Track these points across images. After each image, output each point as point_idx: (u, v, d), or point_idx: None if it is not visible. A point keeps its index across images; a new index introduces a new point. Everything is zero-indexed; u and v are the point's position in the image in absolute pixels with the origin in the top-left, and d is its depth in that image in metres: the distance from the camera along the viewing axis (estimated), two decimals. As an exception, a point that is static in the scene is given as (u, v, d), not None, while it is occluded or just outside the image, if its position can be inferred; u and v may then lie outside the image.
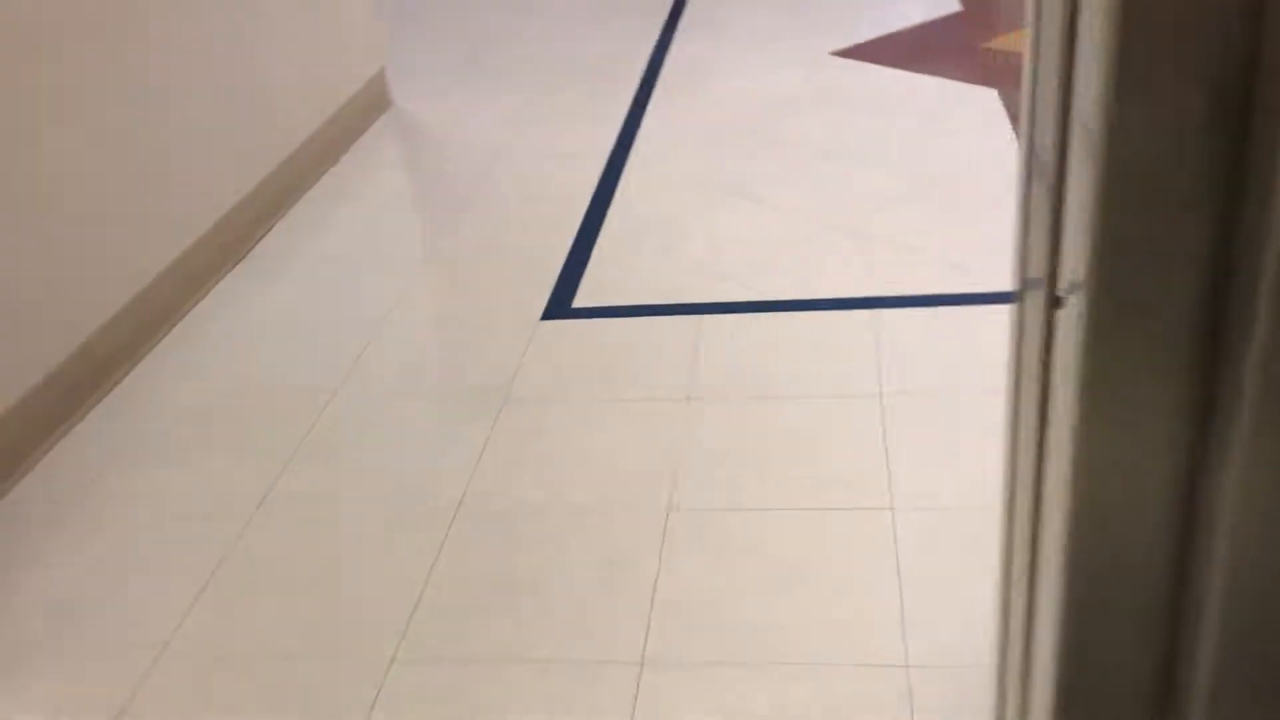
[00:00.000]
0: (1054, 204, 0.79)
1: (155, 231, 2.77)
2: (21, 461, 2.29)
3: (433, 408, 2.40)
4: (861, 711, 1.60)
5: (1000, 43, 4.00)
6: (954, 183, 3.06)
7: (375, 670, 1.75)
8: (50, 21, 2.41)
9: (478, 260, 2.99)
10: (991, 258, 2.68)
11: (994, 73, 3.71)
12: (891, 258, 2.75)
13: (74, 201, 2.49)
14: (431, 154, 3.72)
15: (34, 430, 2.34)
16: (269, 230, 3.20)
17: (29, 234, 2.36)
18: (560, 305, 2.73)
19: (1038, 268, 0.81)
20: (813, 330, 2.51)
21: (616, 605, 1.83)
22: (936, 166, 3.15)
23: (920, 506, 1.96)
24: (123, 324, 2.61)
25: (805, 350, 2.44)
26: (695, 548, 1.93)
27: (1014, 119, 3.35)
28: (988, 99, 3.53)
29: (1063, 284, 0.76)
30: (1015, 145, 3.20)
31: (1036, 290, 0.81)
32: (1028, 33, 0.92)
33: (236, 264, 3.03)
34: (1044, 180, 0.82)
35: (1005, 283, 2.56)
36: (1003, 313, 2.48)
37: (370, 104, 3.91)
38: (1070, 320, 0.74)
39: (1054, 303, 0.79)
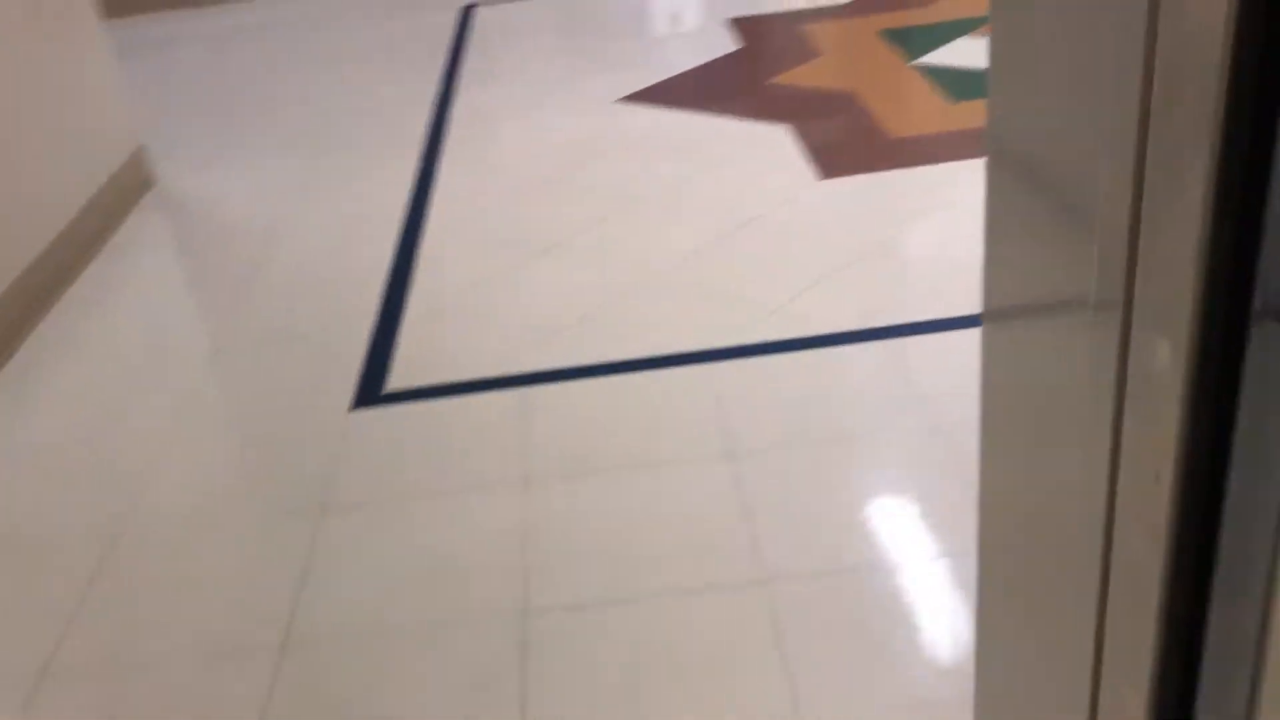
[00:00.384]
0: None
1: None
2: None
3: (239, 532, 2.13)
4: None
5: (785, 78, 4.01)
6: (763, 224, 3.00)
7: None
8: None
9: (270, 351, 2.72)
10: (813, 299, 2.62)
11: (783, 108, 3.71)
12: (716, 308, 2.65)
13: None
14: (205, 234, 3.42)
15: None
16: (19, 345, 2.84)
17: None
18: (371, 392, 2.50)
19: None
20: (649, 391, 2.38)
21: (483, 735, 1.63)
22: (744, 208, 3.09)
23: (794, 573, 1.84)
24: None
25: (645, 414, 2.31)
26: (562, 655, 1.75)
27: (811, 153, 3.34)
28: (781, 135, 3.51)
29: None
30: (815, 181, 3.18)
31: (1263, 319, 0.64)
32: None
33: (-12, 380, 2.66)
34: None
35: (833, 325, 2.50)
36: (835, 355, 2.42)
37: (130, 186, 3.56)
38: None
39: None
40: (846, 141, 3.46)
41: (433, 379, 2.52)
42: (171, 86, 4.78)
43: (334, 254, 3.15)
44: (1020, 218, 0.91)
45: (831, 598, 1.79)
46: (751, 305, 2.64)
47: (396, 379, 2.53)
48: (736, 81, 4.15)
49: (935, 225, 2.92)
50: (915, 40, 4.18)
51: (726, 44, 4.46)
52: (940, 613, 1.75)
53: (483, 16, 5.20)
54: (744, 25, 4.63)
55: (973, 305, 2.53)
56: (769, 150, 3.44)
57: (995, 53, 0.85)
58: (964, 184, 3.12)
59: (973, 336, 2.40)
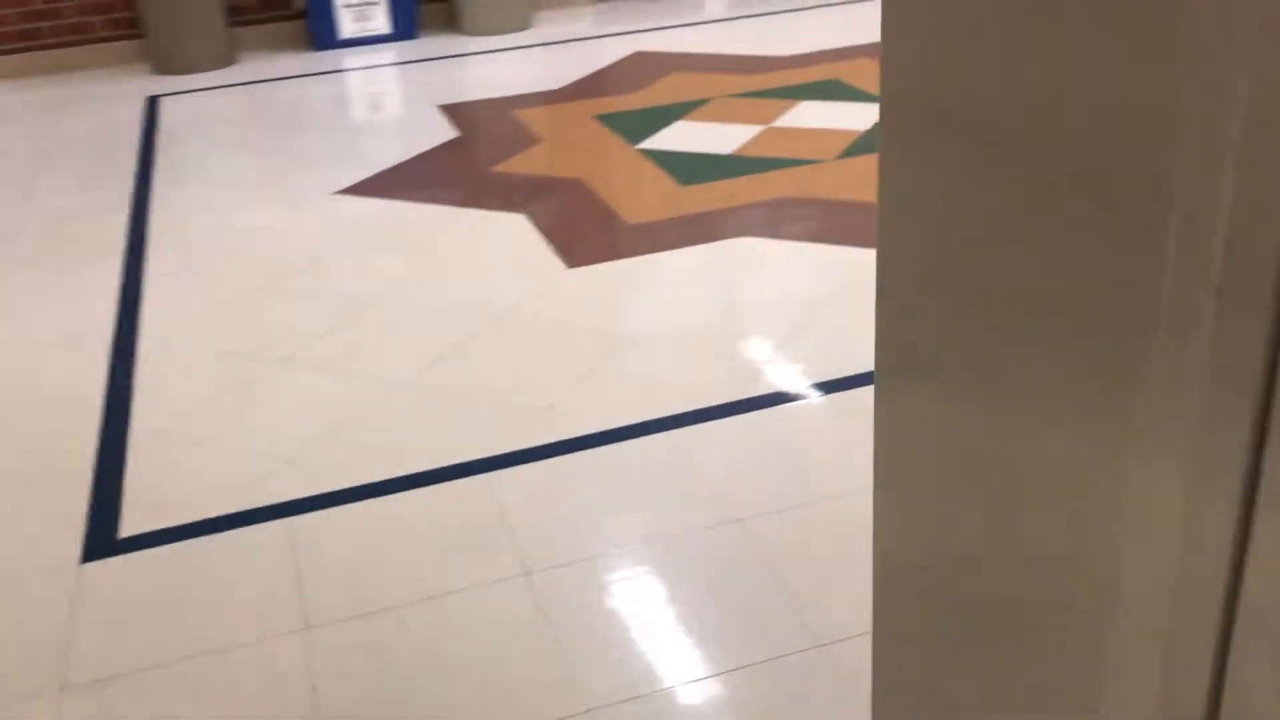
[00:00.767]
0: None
1: None
2: None
3: (-42, 723, 1.79)
4: None
5: (510, 166, 3.96)
6: (517, 317, 2.92)
7: None
8: None
9: (-30, 500, 2.34)
10: (584, 394, 2.55)
11: (514, 197, 3.66)
12: (483, 411, 2.53)
13: None
14: None
15: None
16: None
17: None
18: (103, 538, 2.19)
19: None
20: (428, 510, 2.22)
21: None
22: (495, 302, 2.99)
23: (612, 703, 1.74)
24: None
25: (429, 535, 2.14)
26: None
27: (553, 242, 3.30)
28: (519, 224, 3.45)
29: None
30: (564, 270, 3.14)
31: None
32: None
33: None
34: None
35: (608, 420, 2.44)
36: (616, 453, 2.36)
37: None
38: None
39: None
40: (586, 229, 3.45)
41: (176, 518, 2.24)
42: None
43: (33, 386, 2.78)
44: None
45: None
46: (523, 405, 2.53)
47: (132, 522, 2.24)
48: (460, 170, 4.06)
49: (690, 310, 2.94)
50: (631, 125, 4.25)
51: (441, 132, 4.36)
52: None
53: (170, 109, 4.85)
54: (455, 112, 4.56)
55: (741, 390, 2.55)
56: (509, 241, 3.36)
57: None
58: (706, 267, 3.17)
59: (746, 421, 2.41)
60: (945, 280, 0.79)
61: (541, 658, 1.83)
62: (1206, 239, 0.57)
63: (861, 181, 3.68)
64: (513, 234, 3.40)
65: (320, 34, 5.51)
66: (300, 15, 5.61)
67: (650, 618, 1.91)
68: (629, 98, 4.62)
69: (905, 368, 0.87)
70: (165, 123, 4.67)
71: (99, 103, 4.99)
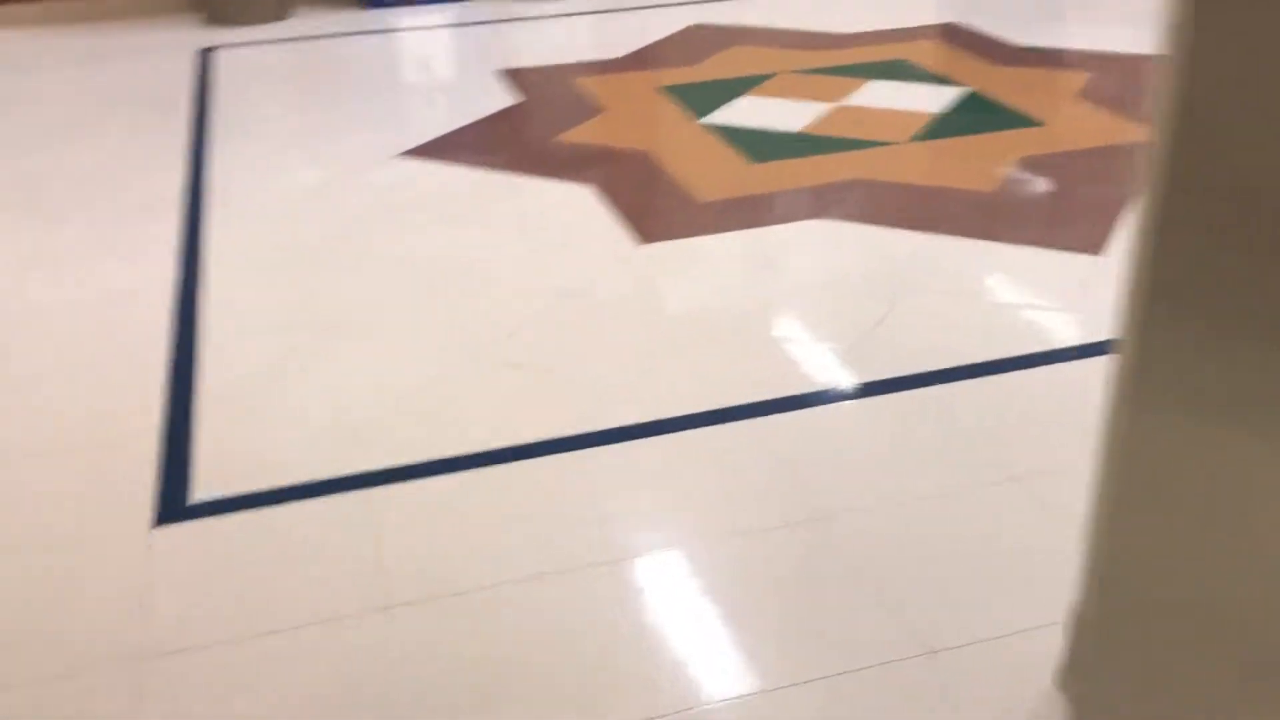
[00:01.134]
0: None
1: None
2: None
3: (39, 695, 1.73)
4: None
5: (573, 136, 3.88)
6: (589, 295, 2.84)
7: None
8: None
9: (30, 463, 2.29)
10: (667, 379, 2.48)
11: (580, 168, 3.57)
12: (564, 390, 2.46)
13: None
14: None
15: None
16: None
17: None
18: (174, 504, 2.14)
19: None
20: (517, 488, 2.15)
21: None
22: (564, 277, 2.92)
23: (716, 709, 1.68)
24: None
25: (518, 513, 2.08)
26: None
27: (624, 216, 3.22)
28: (586, 196, 3.37)
29: None
30: (635, 247, 3.06)
31: None
32: None
33: None
34: None
35: (695, 404, 2.37)
36: (689, 439, 2.28)
37: None
38: None
39: None
40: (656, 205, 3.37)
41: (246, 486, 2.19)
42: None
43: (94, 342, 2.72)
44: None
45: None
46: (599, 385, 2.46)
47: (202, 488, 2.18)
48: (523, 138, 3.98)
49: (775, 292, 2.86)
50: (696, 98, 4.16)
51: (502, 98, 4.28)
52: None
53: (225, 61, 4.77)
54: (518, 77, 4.47)
55: (839, 378, 2.47)
56: (577, 214, 3.29)
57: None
58: (782, 249, 3.09)
59: (831, 413, 2.33)
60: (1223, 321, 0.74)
61: (637, 650, 1.77)
62: None
63: (936, 167, 3.59)
64: (581, 206, 3.32)
65: (374, -8, 5.42)
66: (354, -29, 5.51)
67: (748, 614, 1.84)
68: (691, 70, 4.52)
69: (1165, 393, 0.80)
70: (218, 76, 4.59)
71: (150, 53, 4.91)
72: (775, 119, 3.94)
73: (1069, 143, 3.70)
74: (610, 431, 2.31)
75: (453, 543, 2.01)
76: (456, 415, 2.38)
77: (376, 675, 1.74)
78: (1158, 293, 0.82)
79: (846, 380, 2.46)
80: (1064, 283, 2.85)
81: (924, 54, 4.61)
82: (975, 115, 3.93)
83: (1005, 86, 4.18)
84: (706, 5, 5.45)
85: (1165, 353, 0.84)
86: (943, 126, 3.83)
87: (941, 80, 4.27)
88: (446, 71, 5.02)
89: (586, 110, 4.11)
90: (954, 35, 4.86)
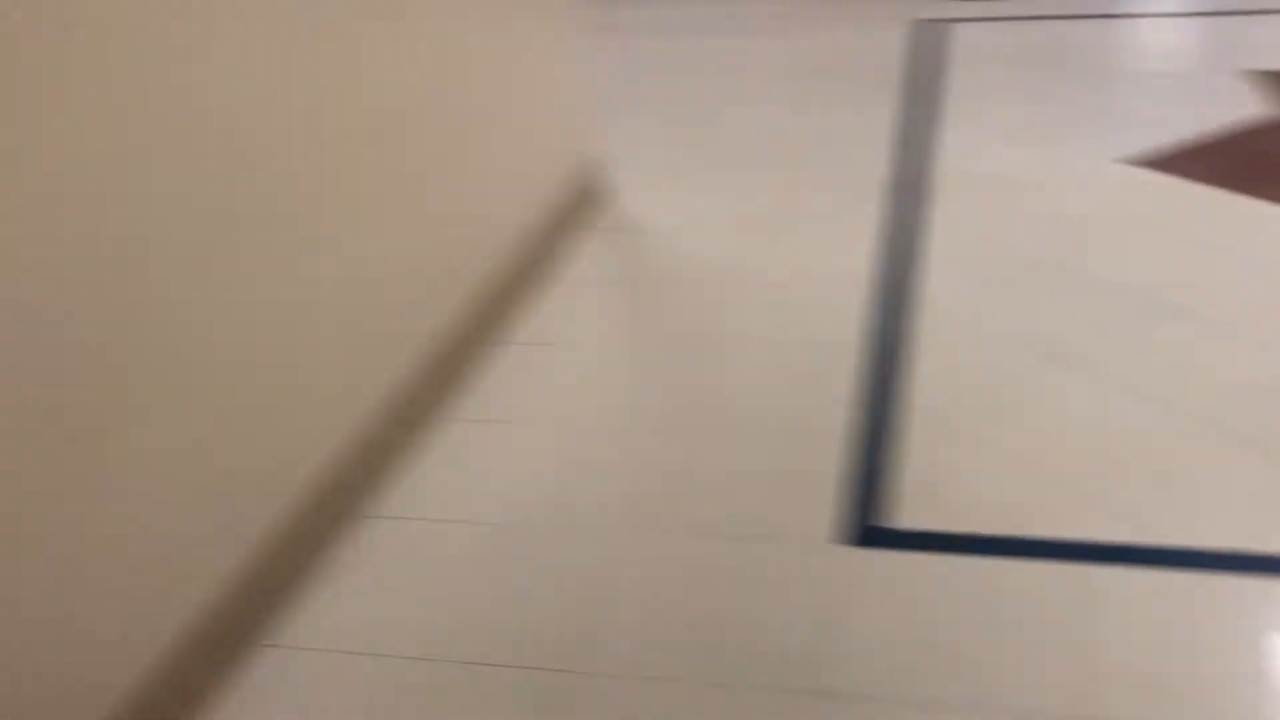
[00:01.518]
0: None
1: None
2: None
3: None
4: None
5: (1349, 162, 3.21)
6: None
7: None
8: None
9: (717, 435, 2.29)
10: None
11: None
12: (1332, 492, 1.99)
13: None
14: (653, 275, 3.03)
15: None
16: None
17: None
18: (868, 527, 2.01)
19: None
20: (1260, 610, 1.76)
21: None
22: (1336, 343, 2.38)
23: None
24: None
25: (1253, 644, 1.69)
26: None
27: None
28: (1366, 243, 2.76)
29: None
30: None
31: None
32: None
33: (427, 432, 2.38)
34: None
35: None
36: None
37: (576, 206, 3.25)
38: None
39: None
40: None
41: (946, 525, 2.00)
42: (630, 104, 4.44)
43: (798, 316, 2.69)
44: None
45: None
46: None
47: (905, 514, 2.03)
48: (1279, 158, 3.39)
49: None
50: None
51: (1251, 104, 3.68)
52: None
53: (938, 36, 4.63)
54: (1267, 81, 3.83)
55: None
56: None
57: None
58: None
59: None
60: None
61: None
62: None
63: None
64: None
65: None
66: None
67: None
68: None
69: None
70: (930, 52, 4.45)
71: (864, 22, 4.90)
72: None
73: None
74: (1404, 568, 1.81)
75: (1178, 661, 1.67)
76: (1184, 491, 2.01)
77: (1092, 809, 1.47)
78: None
79: None
80: None
81: None
82: None
83: None
84: None
85: None
86: None
87: None
88: (1175, 66, 4.46)
89: (1366, 132, 3.40)
90: None
